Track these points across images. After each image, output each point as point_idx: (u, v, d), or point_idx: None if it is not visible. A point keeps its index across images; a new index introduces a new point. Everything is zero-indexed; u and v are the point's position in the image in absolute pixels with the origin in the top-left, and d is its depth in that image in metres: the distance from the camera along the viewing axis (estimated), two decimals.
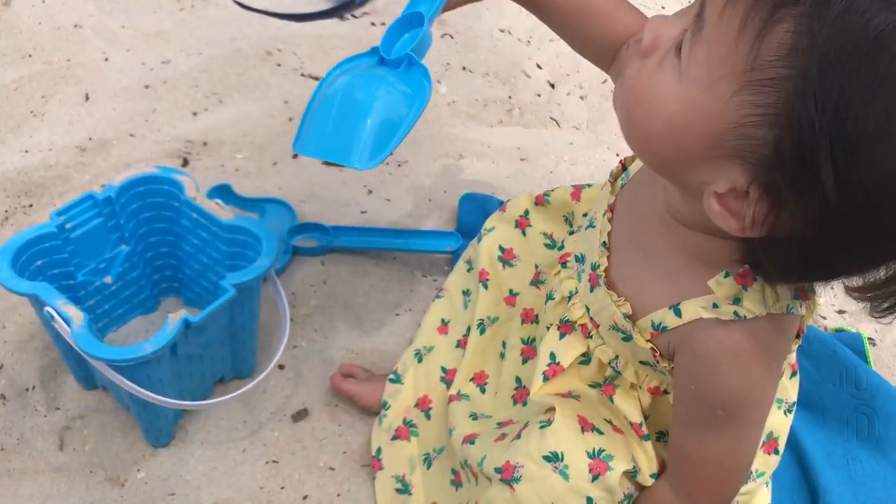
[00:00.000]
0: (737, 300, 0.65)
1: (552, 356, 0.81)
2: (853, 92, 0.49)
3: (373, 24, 1.58)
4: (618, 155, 1.39)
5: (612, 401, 0.79)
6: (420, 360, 1.01)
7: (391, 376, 1.01)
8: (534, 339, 0.90)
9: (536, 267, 0.97)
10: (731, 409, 0.70)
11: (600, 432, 0.78)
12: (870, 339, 1.16)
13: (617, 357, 0.78)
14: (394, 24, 0.78)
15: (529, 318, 0.92)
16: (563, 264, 0.85)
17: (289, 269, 1.17)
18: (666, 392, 0.78)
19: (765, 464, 0.85)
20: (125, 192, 0.97)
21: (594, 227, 0.80)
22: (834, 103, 0.49)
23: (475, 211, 1.24)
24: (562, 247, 0.94)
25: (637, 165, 0.81)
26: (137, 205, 0.98)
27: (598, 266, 0.76)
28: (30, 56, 1.40)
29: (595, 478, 0.75)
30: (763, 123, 0.53)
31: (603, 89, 1.51)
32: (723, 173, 0.57)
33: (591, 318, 0.78)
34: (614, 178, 0.82)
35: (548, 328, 0.84)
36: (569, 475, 0.75)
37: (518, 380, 0.89)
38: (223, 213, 0.95)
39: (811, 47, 0.50)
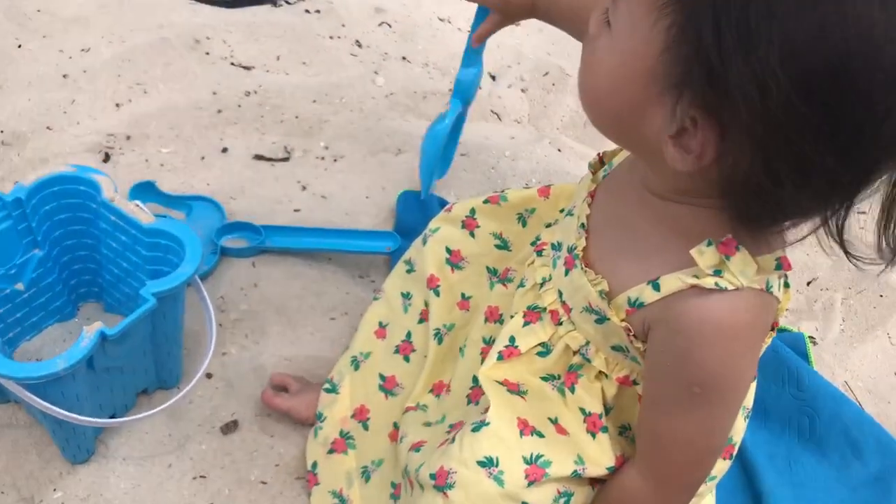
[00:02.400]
0: (718, 271, 0.64)
1: (511, 339, 0.80)
2: None
3: (307, 11, 1.52)
4: (559, 150, 1.37)
5: (573, 391, 0.77)
6: (357, 368, 0.97)
7: (326, 385, 0.96)
8: (494, 340, 0.87)
9: (488, 269, 0.95)
10: (707, 386, 0.67)
11: (541, 435, 0.76)
12: (811, 337, 1.16)
13: (587, 343, 0.76)
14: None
15: (494, 316, 0.89)
16: (539, 252, 0.83)
17: (217, 270, 1.11)
18: (635, 383, 0.76)
19: (720, 468, 0.83)
20: (37, 193, 0.90)
21: (573, 214, 0.80)
22: None
23: (414, 209, 1.20)
24: (510, 248, 0.94)
25: (619, 158, 0.80)
26: (51, 206, 0.92)
27: (576, 247, 0.75)
28: None
29: (531, 483, 0.73)
30: (681, 42, 0.56)
31: (544, 82, 1.48)
32: (667, 111, 0.59)
33: (564, 303, 0.77)
34: (594, 169, 0.81)
35: (512, 317, 0.82)
36: (504, 481, 0.72)
37: (475, 379, 0.86)
38: (143, 215, 0.89)
39: None
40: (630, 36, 0.60)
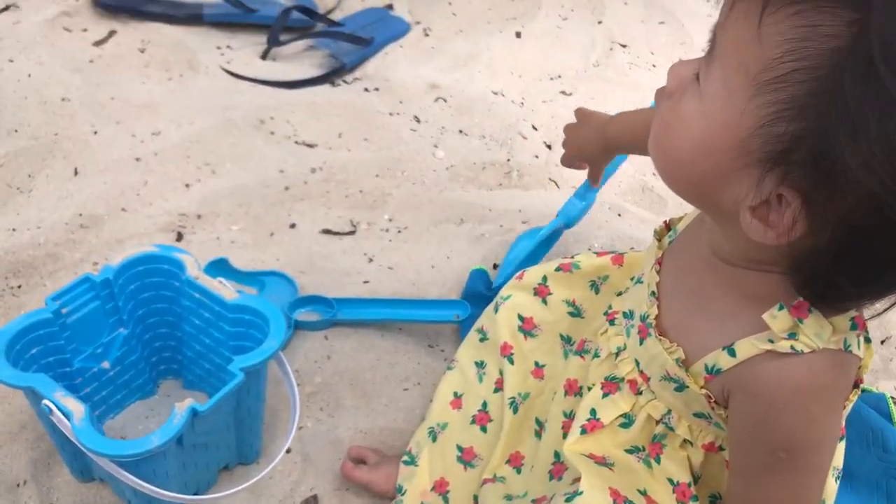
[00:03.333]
0: (792, 334, 0.63)
1: (592, 412, 0.79)
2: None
3: (366, 89, 1.56)
4: (619, 215, 1.38)
5: (658, 461, 0.76)
6: (434, 439, 0.96)
7: (405, 458, 0.96)
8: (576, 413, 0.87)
9: (561, 337, 0.95)
10: (792, 450, 0.66)
11: None
12: (892, 398, 1.13)
13: (669, 412, 0.75)
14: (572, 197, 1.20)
15: (573, 389, 0.88)
16: (611, 322, 0.83)
17: (291, 344, 1.13)
18: (721, 449, 0.75)
19: None
20: (123, 273, 0.92)
21: (642, 282, 0.80)
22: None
23: (482, 287, 1.21)
24: (583, 315, 0.94)
25: (683, 224, 0.81)
26: (136, 285, 0.94)
27: (648, 316, 0.75)
28: (15, 132, 1.37)
29: None
30: (782, 120, 0.55)
31: None
32: (752, 183, 0.58)
33: (641, 372, 0.76)
34: (659, 236, 0.82)
35: (590, 388, 0.81)
36: None
37: (556, 454, 0.85)
38: (227, 291, 0.91)
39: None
40: (723, 104, 0.58)
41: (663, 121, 0.65)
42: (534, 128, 1.52)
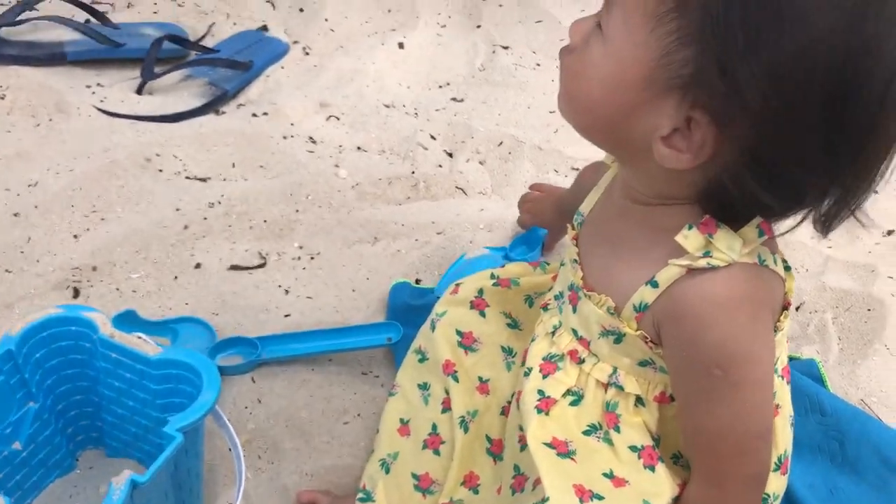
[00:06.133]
0: (707, 252, 0.66)
1: (540, 392, 0.79)
2: None
3: (254, 115, 1.50)
4: None
5: (618, 430, 0.76)
6: (387, 471, 0.92)
7: (360, 495, 0.91)
8: None
9: (503, 349, 0.93)
10: (725, 366, 0.68)
11: (600, 497, 0.73)
12: (821, 362, 1.16)
13: (615, 370, 0.76)
14: (520, 236, 1.25)
15: None
16: (545, 309, 0.85)
17: None
18: (672, 399, 0.76)
19: (777, 485, 0.82)
20: (26, 342, 0.84)
21: (564, 263, 0.83)
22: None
23: (405, 296, 1.17)
24: (520, 328, 0.94)
25: (587, 204, 0.84)
26: (42, 353, 0.85)
27: (575, 283, 0.78)
28: None
29: None
30: (681, 46, 0.60)
31: (500, 152, 1.48)
32: (662, 112, 0.63)
33: (580, 339, 0.78)
34: (573, 223, 0.85)
35: (526, 373, 0.81)
36: None
37: (516, 467, 0.83)
38: (148, 347, 0.84)
39: None
40: (625, 42, 0.63)
41: (571, 70, 0.69)
42: (432, 137, 1.49)
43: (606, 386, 0.77)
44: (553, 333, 0.81)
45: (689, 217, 0.67)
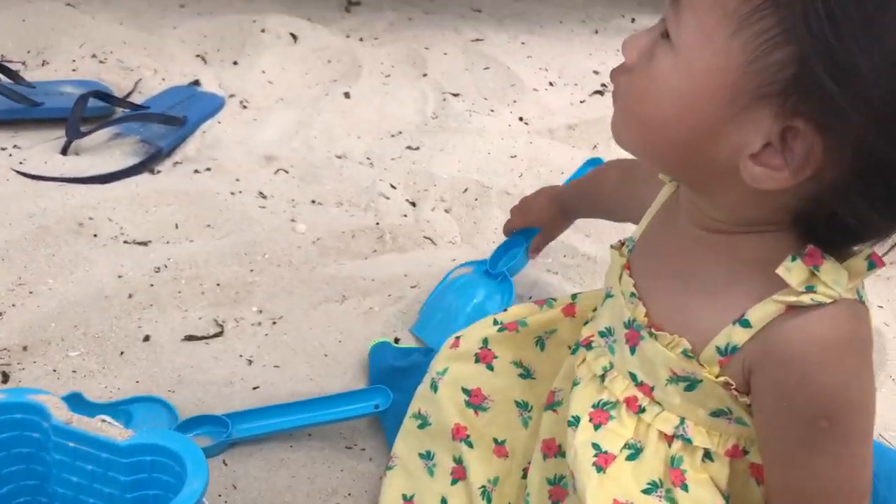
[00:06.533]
0: (810, 287, 0.58)
1: (595, 447, 0.68)
2: None
3: (196, 171, 1.37)
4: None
5: (685, 489, 0.66)
6: None
7: None
8: (563, 477, 0.74)
9: (517, 403, 0.83)
10: (833, 416, 0.60)
11: None
12: None
13: (683, 421, 0.66)
14: (499, 247, 1.15)
15: (553, 450, 0.76)
16: (588, 346, 0.74)
17: None
18: (745, 452, 0.66)
19: None
20: None
21: (612, 295, 0.72)
22: None
23: (388, 357, 1.06)
24: (533, 376, 0.84)
25: (639, 230, 0.74)
26: None
27: (635, 319, 0.68)
28: None
29: None
30: (774, 46, 0.53)
31: (466, 198, 1.40)
32: (752, 127, 0.55)
33: (640, 385, 0.67)
34: (618, 248, 0.74)
35: (572, 422, 0.70)
36: None
37: None
38: (115, 431, 0.70)
39: None
40: (702, 49, 0.55)
41: (634, 90, 0.61)
42: (392, 186, 1.40)
43: (671, 438, 0.67)
44: (603, 377, 0.71)
45: (779, 246, 0.60)
